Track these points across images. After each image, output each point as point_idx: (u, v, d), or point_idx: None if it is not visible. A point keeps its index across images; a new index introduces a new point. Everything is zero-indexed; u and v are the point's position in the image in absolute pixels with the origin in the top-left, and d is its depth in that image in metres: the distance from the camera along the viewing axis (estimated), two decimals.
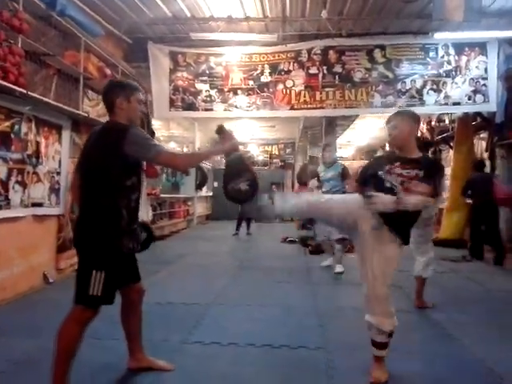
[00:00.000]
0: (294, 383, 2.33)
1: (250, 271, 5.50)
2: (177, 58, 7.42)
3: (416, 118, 2.50)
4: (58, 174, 4.93)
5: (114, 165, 2.05)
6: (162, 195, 9.06)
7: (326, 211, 2.50)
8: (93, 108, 5.88)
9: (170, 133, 12.50)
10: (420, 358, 2.67)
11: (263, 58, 7.32)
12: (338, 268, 5.07)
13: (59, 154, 4.96)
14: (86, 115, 5.35)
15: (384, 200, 2.26)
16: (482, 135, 8.35)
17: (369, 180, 2.45)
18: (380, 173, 2.40)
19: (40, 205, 4.56)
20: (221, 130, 2.64)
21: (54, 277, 4.72)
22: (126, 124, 2.15)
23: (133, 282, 2.33)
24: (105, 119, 5.92)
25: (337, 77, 7.21)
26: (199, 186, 11.19)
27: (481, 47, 6.91)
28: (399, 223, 2.30)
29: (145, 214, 7.82)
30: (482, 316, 3.55)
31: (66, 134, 5.09)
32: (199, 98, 7.44)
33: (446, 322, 3.37)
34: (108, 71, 6.23)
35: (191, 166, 2.38)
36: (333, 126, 7.92)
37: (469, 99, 6.98)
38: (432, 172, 2.33)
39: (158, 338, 2.88)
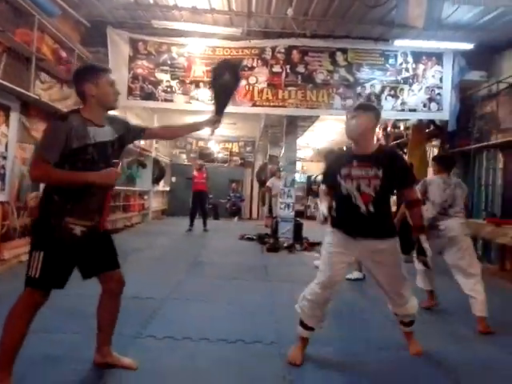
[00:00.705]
0: (249, 377, 2.29)
1: (206, 267, 5.41)
2: (137, 45, 7.18)
3: (377, 113, 2.46)
4: (4, 158, 4.62)
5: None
6: (117, 187, 8.74)
7: None
8: (45, 91, 5.57)
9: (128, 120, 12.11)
10: (377, 350, 2.71)
11: (227, 52, 7.23)
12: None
13: (6, 138, 4.65)
14: (37, 98, 5.05)
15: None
16: (434, 143, 8.71)
17: (333, 181, 2.48)
18: (338, 178, 2.42)
19: None
20: None
21: None
22: (64, 115, 2.04)
23: (109, 270, 2.21)
24: (59, 104, 5.62)
25: (299, 77, 7.26)
26: (156, 180, 10.93)
27: (437, 57, 7.19)
28: None
29: None
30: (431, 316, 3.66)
31: (15, 117, 4.79)
32: (159, 87, 7.24)
33: None
34: (63, 54, 5.93)
35: (55, 182, 2.01)
36: (294, 125, 7.96)
37: (424, 106, 7.25)
38: (392, 169, 2.33)
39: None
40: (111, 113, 2.23)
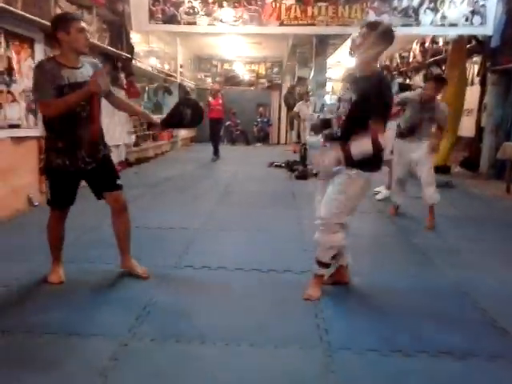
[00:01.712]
0: (283, 304, 2.43)
1: (235, 196, 5.54)
2: None
3: (387, 37, 2.24)
4: None
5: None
6: None
7: None
8: None
9: (150, 47, 11.77)
10: (400, 281, 2.81)
11: None
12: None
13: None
14: None
15: (324, 157, 2.31)
16: (474, 59, 8.11)
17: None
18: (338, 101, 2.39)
19: (17, 126, 4.36)
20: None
21: (39, 199, 4.66)
22: (40, 62, 2.48)
23: (106, 191, 2.59)
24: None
25: None
26: None
27: None
28: None
29: (126, 136, 7.62)
30: (461, 242, 3.71)
31: (40, 49, 4.72)
32: (181, 9, 6.90)
33: (425, 247, 3.51)
34: None
35: (59, 110, 2.32)
36: (324, 44, 7.53)
37: (466, 20, 6.66)
38: (364, 97, 2.18)
39: (149, 263, 2.93)
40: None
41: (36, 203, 4.57)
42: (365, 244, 3.63)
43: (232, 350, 1.96)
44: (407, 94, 4.46)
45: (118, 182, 2.63)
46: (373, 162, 2.30)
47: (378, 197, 5.33)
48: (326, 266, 2.51)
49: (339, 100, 2.39)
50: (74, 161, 2.44)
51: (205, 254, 3.20)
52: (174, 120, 2.72)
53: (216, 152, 9.21)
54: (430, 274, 2.95)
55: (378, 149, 2.18)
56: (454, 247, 3.56)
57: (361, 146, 2.18)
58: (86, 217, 3.79)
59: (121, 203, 2.64)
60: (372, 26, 2.25)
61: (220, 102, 9.23)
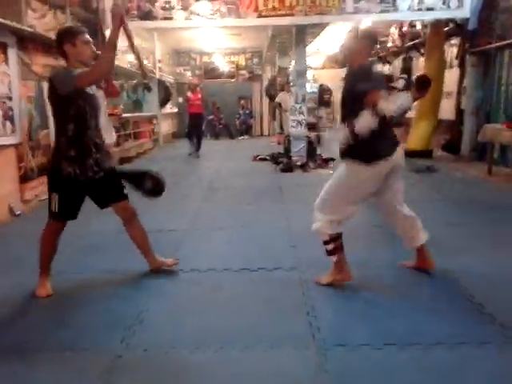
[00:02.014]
0: (274, 303, 2.45)
1: (221, 192, 5.52)
2: None
3: (370, 37, 2.50)
4: (10, 99, 4.53)
5: (56, 105, 2.44)
6: (125, 115, 8.62)
7: None
8: (39, 20, 5.27)
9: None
10: (388, 272, 2.84)
11: None
12: None
13: (8, 77, 4.51)
14: (32, 30, 4.80)
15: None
16: (453, 42, 8.17)
17: None
18: None
19: None
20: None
21: (21, 208, 4.58)
22: (56, 71, 2.55)
23: (113, 202, 2.65)
24: (53, 33, 5.37)
25: None
26: (163, 103, 10.69)
27: None
28: None
29: (108, 136, 7.48)
30: (447, 227, 3.76)
31: (13, 54, 4.59)
32: (157, 4, 6.78)
33: None
34: None
35: (109, 64, 2.33)
36: (303, 34, 7.44)
37: (443, 3, 6.66)
38: (353, 80, 2.36)
39: (138, 267, 2.92)
40: None
41: (18, 212, 4.49)
42: (352, 235, 3.66)
43: (226, 354, 1.96)
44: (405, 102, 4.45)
45: (125, 191, 2.72)
46: (375, 149, 2.34)
47: None
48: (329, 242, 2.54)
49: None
50: (83, 169, 2.48)
51: (193, 257, 3.19)
52: (132, 183, 2.81)
53: (198, 147, 9.08)
54: None
55: (380, 116, 2.18)
56: (440, 234, 3.60)
57: (363, 119, 2.23)
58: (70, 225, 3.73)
59: (130, 211, 2.73)
60: (355, 33, 2.45)
61: (199, 96, 9.11)
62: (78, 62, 2.43)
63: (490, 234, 3.55)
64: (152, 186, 2.83)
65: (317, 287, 2.60)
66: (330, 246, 2.53)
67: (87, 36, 2.47)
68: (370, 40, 2.48)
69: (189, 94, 9.21)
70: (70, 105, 2.39)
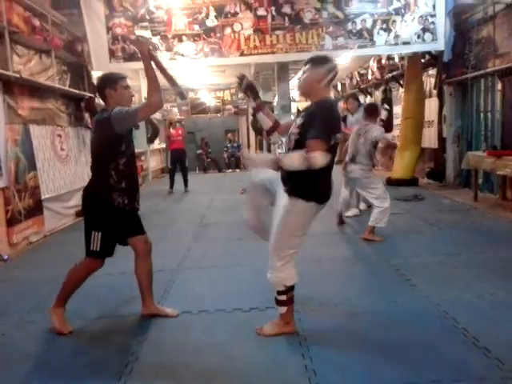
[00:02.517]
0: (269, 345, 2.39)
1: (212, 229, 5.49)
2: (112, 1, 6.82)
3: (329, 66, 2.33)
4: None
5: (106, 142, 2.54)
6: None
7: None
8: (25, 65, 5.35)
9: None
10: (381, 308, 2.82)
11: None
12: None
13: None
14: (18, 76, 4.85)
15: (257, 160, 2.37)
16: (430, 72, 8.47)
17: None
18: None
19: None
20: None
21: (8, 253, 4.50)
22: (109, 110, 2.53)
23: (136, 235, 2.73)
24: (39, 77, 5.46)
25: (286, 18, 6.95)
26: (151, 139, 10.75)
27: None
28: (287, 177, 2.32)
29: None
30: (436, 257, 3.77)
31: None
32: None
33: (403, 267, 3.56)
34: (37, 22, 5.61)
35: (159, 93, 2.42)
36: (285, 70, 7.71)
37: (418, 38, 6.97)
38: (309, 118, 2.26)
39: (126, 311, 2.86)
40: None
41: (5, 257, 4.40)
42: (342, 269, 3.66)
43: None
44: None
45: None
46: (315, 190, 2.30)
47: (348, 213, 5.40)
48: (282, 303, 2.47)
49: (293, 127, 2.43)
50: (132, 200, 2.65)
51: (184, 298, 3.14)
52: None
53: (186, 183, 8.99)
54: (409, 297, 2.97)
55: (308, 165, 2.13)
56: (429, 263, 3.63)
57: (291, 157, 2.22)
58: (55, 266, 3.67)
59: (149, 245, 2.81)
60: (315, 62, 2.36)
61: (180, 132, 9.21)
62: (117, 104, 2.57)
63: (478, 263, 3.57)
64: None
65: (312, 326, 2.57)
66: (284, 297, 2.45)
67: (127, 81, 2.65)
68: (330, 71, 2.34)
69: (171, 130, 9.31)
70: (122, 141, 2.55)
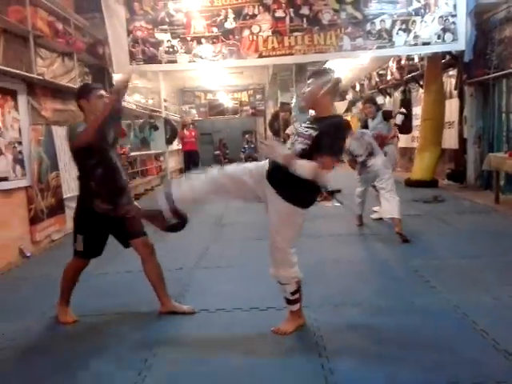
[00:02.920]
0: (285, 343, 2.41)
1: (229, 229, 5.53)
2: (133, 5, 6.92)
3: (327, 78, 2.41)
4: (20, 143, 4.67)
5: (77, 155, 2.68)
6: (133, 153, 8.79)
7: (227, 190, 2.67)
8: (48, 68, 5.49)
9: (133, 84, 11.91)
10: (400, 309, 2.80)
11: (226, 1, 6.90)
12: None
13: (18, 122, 4.67)
14: (41, 78, 4.99)
15: (276, 149, 2.34)
16: (450, 73, 8.35)
17: None
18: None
19: (5, 179, 4.35)
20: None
21: (31, 250, 4.62)
22: (71, 125, 2.80)
23: (131, 239, 2.77)
24: (61, 79, 5.59)
25: (304, 19, 6.93)
26: (169, 141, 10.88)
27: None
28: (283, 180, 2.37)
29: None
30: (457, 260, 3.72)
31: (23, 100, 4.77)
32: (161, 49, 7.04)
33: (423, 269, 3.51)
34: (60, 26, 5.75)
35: (94, 131, 2.54)
36: (303, 71, 7.69)
37: (438, 38, 6.87)
38: (324, 134, 2.29)
39: (145, 310, 2.90)
40: None
41: (28, 254, 4.52)
42: (363, 270, 3.64)
43: None
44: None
45: (145, 228, 2.83)
46: (306, 197, 2.44)
47: (374, 216, 5.35)
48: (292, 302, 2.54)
49: (297, 135, 2.46)
50: (116, 207, 2.67)
51: (202, 296, 3.17)
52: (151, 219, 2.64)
53: None
54: (428, 299, 2.94)
55: (316, 178, 2.25)
56: (449, 266, 3.58)
57: (304, 166, 2.25)
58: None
59: (151, 247, 2.83)
60: (317, 75, 2.45)
61: (193, 133, 9.33)
62: (92, 114, 2.64)
63: (499, 265, 3.51)
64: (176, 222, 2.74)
65: (329, 327, 2.56)
66: (297, 296, 2.54)
67: (101, 91, 2.73)
68: (333, 83, 2.41)
69: (184, 131, 9.42)
70: (92, 155, 2.63)
